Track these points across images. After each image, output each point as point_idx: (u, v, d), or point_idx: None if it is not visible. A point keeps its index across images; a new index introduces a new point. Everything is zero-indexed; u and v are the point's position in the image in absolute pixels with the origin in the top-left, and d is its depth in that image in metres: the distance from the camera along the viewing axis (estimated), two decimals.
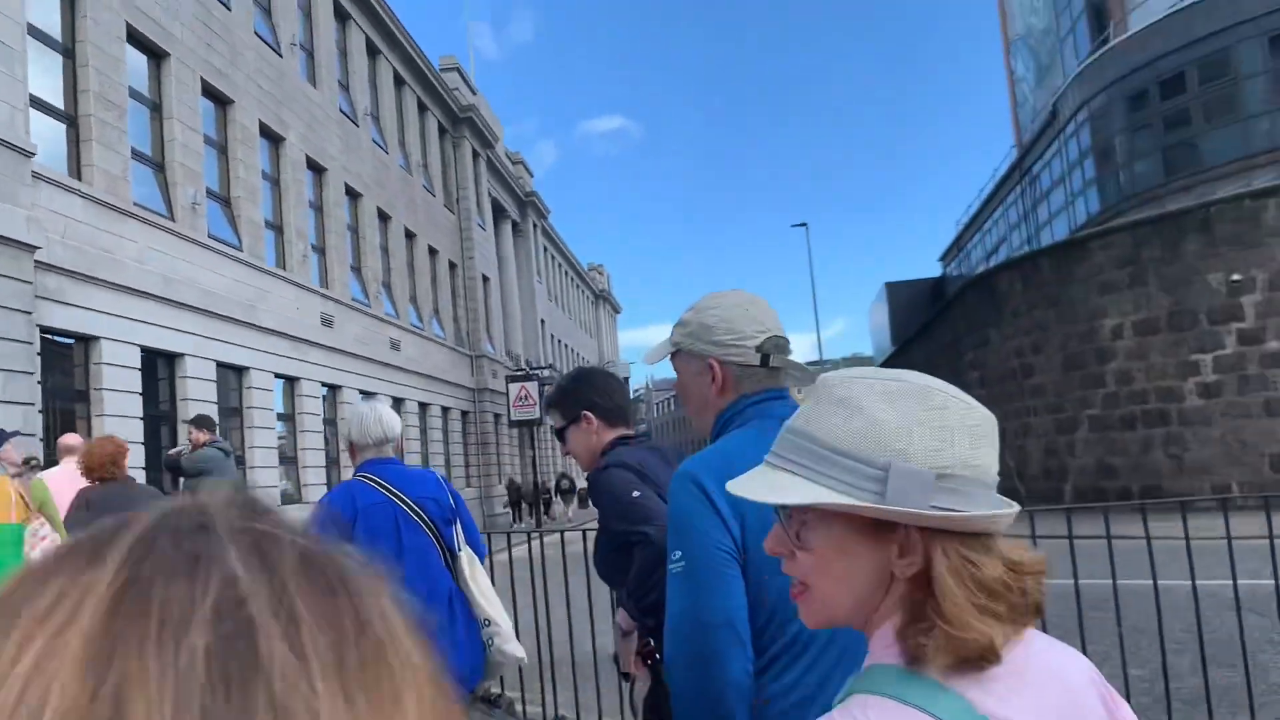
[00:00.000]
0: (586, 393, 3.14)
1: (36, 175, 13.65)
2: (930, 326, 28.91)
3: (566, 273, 65.26)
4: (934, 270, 52.61)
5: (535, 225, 53.74)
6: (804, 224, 48.86)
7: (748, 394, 2.11)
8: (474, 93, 41.18)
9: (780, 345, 2.11)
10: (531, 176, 53.80)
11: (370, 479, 3.81)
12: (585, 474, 3.14)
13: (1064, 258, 20.39)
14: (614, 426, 3.11)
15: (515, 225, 49.19)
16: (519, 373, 35.30)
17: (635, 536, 2.65)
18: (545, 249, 57.53)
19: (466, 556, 3.92)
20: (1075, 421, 20.11)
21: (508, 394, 38.73)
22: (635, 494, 2.74)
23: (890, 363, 36.98)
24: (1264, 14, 20.24)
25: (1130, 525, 5.79)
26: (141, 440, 15.70)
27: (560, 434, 3.20)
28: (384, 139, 30.40)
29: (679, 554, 1.88)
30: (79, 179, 15.12)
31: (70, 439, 7.98)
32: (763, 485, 1.13)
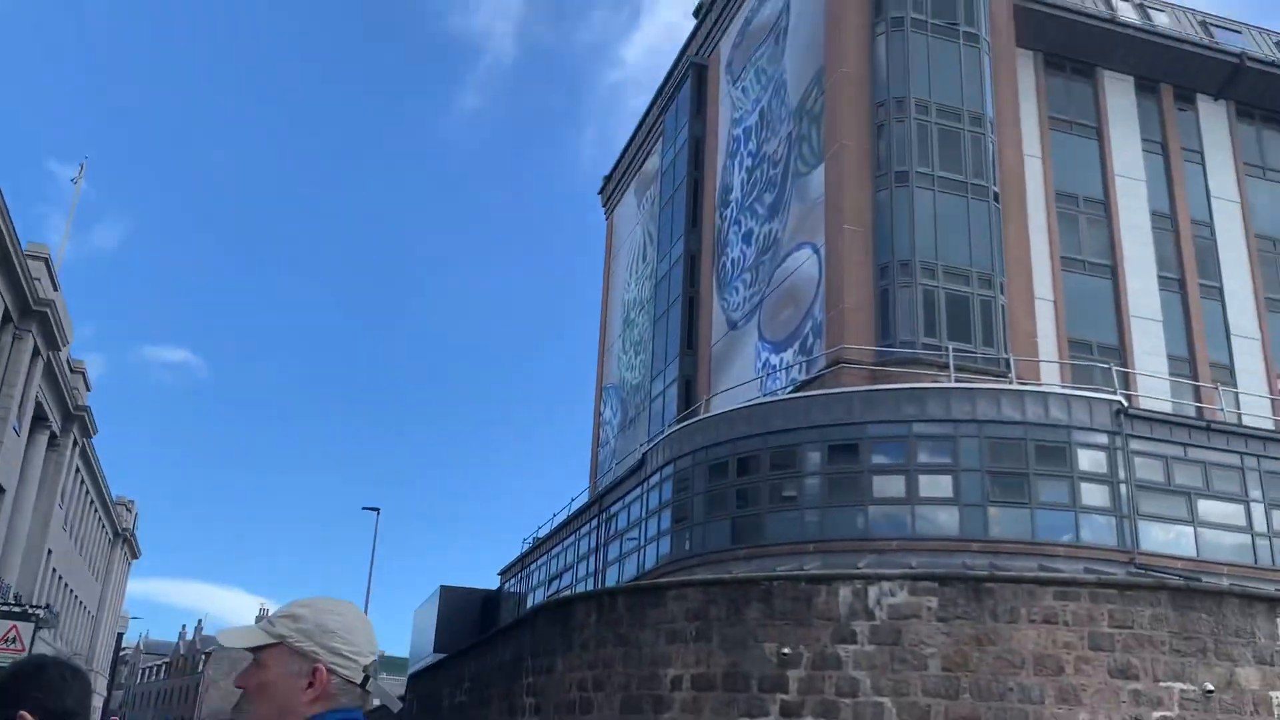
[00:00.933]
0: (31, 689, 2.64)
1: None
2: (493, 640, 28.65)
3: (91, 502, 57.95)
4: (490, 582, 53.02)
5: (76, 443, 47.89)
6: (376, 509, 47.82)
7: (339, 709, 2.02)
8: (55, 288, 37.31)
9: (376, 670, 2.10)
10: (89, 390, 48.59)
11: None
12: None
13: (640, 600, 21.43)
14: None
15: (53, 437, 43.50)
16: (11, 607, 29.75)
17: None
18: (78, 470, 51.08)
19: None
20: None
21: None
22: None
23: (438, 670, 35.81)
24: (824, 425, 24.05)
25: None
26: None
27: None
28: None
29: None
30: None
31: None
32: None
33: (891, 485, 23.08)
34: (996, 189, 28.04)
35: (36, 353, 36.01)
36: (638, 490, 29.33)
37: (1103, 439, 23.15)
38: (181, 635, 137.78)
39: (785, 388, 28.75)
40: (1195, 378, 30.27)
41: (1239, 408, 30.24)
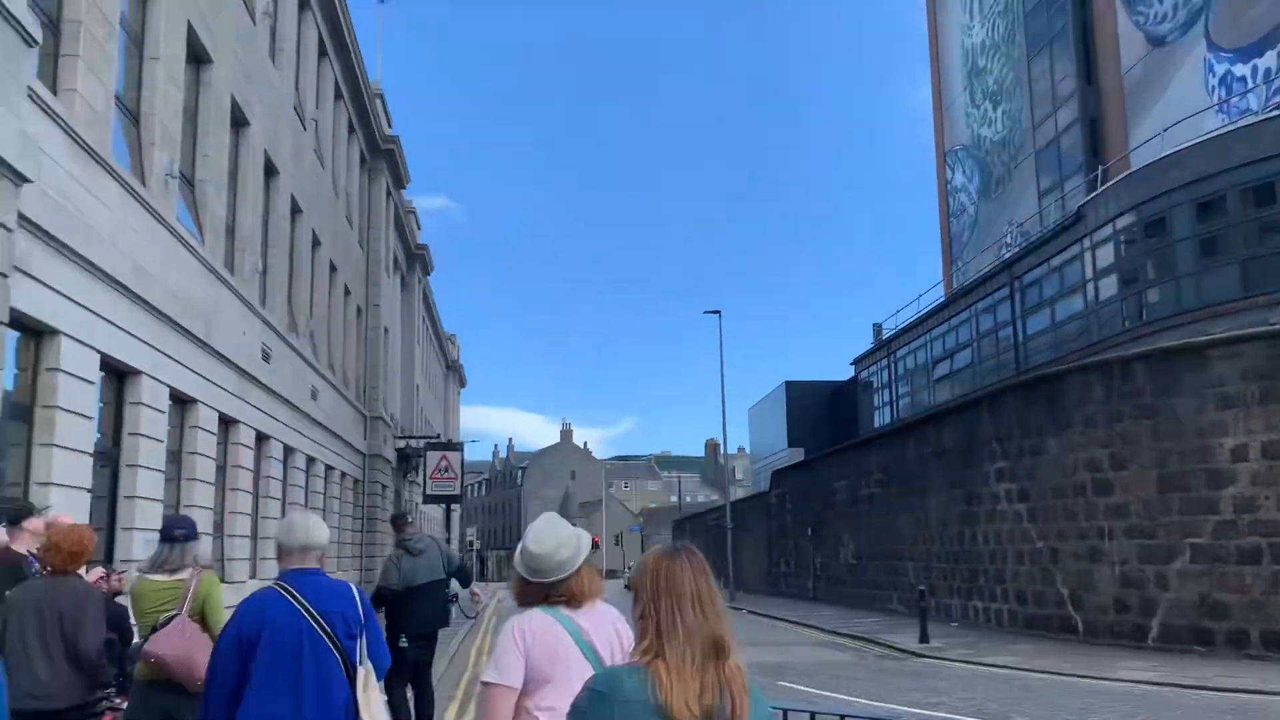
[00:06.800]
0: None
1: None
2: (914, 428, 26.53)
3: (431, 338, 60.46)
4: (837, 373, 51.36)
5: (419, 281, 49.16)
6: (718, 311, 46.38)
7: None
8: (390, 126, 36.82)
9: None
10: (419, 229, 49.36)
11: (285, 589, 3.94)
12: None
13: (1169, 366, 18.35)
14: None
15: (403, 279, 44.54)
16: (438, 440, 30.75)
17: None
18: (419, 309, 52.85)
19: (364, 672, 3.97)
20: (1171, 550, 17.83)
21: (403, 462, 33.83)
22: None
23: (817, 464, 34.36)
24: None
25: None
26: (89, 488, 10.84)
27: None
28: (320, 152, 25.85)
29: None
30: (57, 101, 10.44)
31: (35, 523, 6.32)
32: None
33: None
34: None
35: (388, 193, 36.04)
36: (1073, 249, 25.68)
37: None
38: (495, 454, 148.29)
39: (1266, 106, 23.74)
40: None
41: None
